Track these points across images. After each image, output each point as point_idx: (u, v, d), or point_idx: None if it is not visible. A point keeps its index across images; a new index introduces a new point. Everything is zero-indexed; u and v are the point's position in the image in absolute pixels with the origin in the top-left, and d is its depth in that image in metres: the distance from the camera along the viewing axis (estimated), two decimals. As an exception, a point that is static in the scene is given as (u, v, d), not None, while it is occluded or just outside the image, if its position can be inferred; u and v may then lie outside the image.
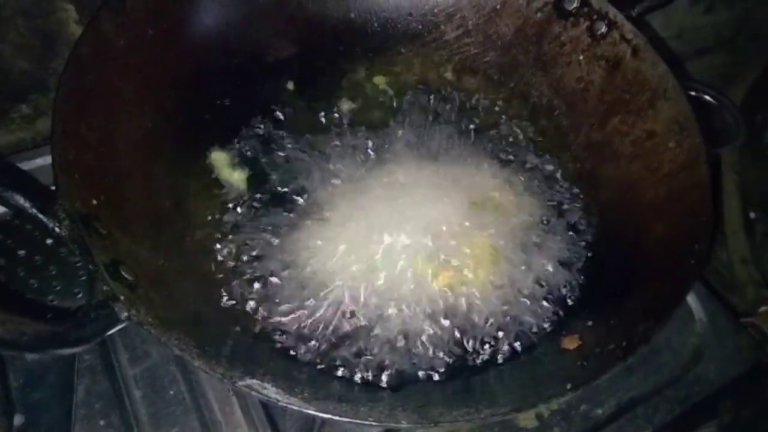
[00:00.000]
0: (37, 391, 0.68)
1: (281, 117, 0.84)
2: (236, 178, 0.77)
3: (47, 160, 0.79)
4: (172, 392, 0.71)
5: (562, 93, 0.89)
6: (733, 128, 1.35)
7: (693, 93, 1.30)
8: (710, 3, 1.59)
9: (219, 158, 0.78)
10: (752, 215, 1.56)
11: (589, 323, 0.68)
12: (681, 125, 0.76)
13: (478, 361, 0.67)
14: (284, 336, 0.65)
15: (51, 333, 0.46)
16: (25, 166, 0.88)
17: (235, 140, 0.81)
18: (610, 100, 0.84)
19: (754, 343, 0.88)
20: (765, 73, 1.80)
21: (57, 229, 0.55)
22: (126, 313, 0.52)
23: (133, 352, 0.73)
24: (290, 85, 0.88)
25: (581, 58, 0.87)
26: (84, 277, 0.74)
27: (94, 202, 0.61)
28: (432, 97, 0.91)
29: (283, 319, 0.66)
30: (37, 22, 0.89)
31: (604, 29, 0.85)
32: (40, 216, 0.54)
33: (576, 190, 0.82)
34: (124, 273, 0.56)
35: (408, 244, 0.70)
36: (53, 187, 0.58)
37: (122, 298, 0.52)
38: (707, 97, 1.34)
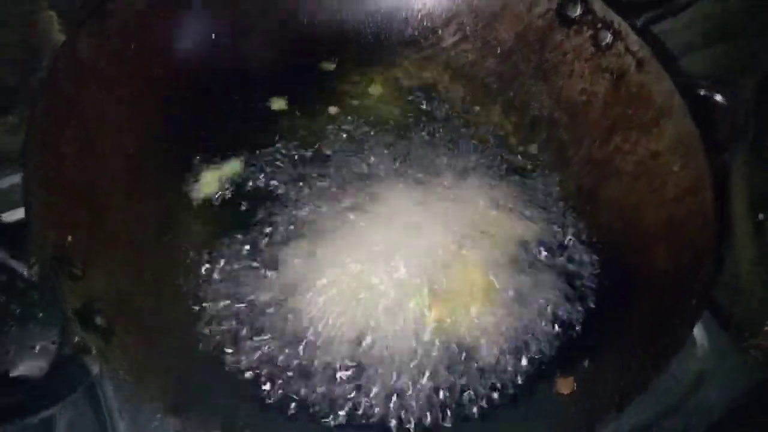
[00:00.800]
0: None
1: (272, 136, 0.81)
2: (221, 204, 0.74)
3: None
4: (156, 425, 0.70)
5: (564, 105, 0.85)
6: (744, 128, 1.31)
7: (702, 92, 1.25)
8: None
9: (206, 182, 0.76)
10: (761, 216, 1.52)
11: (586, 363, 0.65)
12: (686, 147, 0.72)
13: (474, 408, 0.65)
14: (266, 383, 0.63)
15: (18, 402, 0.44)
16: (4, 183, 0.86)
17: (223, 162, 0.78)
18: (614, 115, 0.80)
19: (757, 365, 0.85)
20: (779, 64, 1.73)
21: (26, 274, 0.52)
22: (97, 368, 0.50)
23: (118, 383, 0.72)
24: (281, 102, 0.84)
25: (584, 68, 0.83)
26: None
27: (69, 238, 0.59)
28: (427, 109, 0.87)
29: (265, 365, 0.64)
30: (19, 32, 0.86)
31: (608, 39, 0.80)
32: (9, 261, 0.52)
33: (576, 213, 0.79)
34: (97, 320, 0.54)
35: (399, 277, 0.68)
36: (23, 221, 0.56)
37: (94, 351, 0.51)
38: (717, 97, 1.29)
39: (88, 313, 0.54)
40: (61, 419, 0.68)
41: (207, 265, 0.70)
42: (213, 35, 0.81)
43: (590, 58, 0.82)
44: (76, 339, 0.51)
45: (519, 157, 0.83)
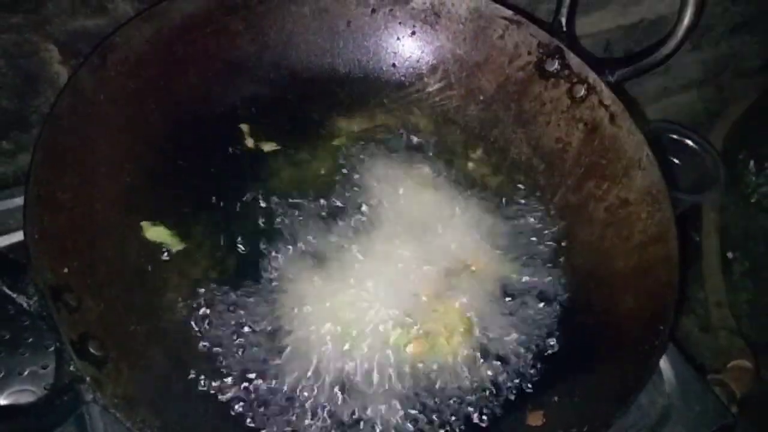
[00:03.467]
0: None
1: (264, 168, 0.85)
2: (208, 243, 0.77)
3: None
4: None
5: (541, 152, 0.90)
6: (714, 173, 1.37)
7: (675, 136, 1.32)
8: (696, 41, 1.61)
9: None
10: (730, 255, 1.58)
11: (555, 398, 0.69)
12: (654, 197, 0.77)
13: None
14: (253, 419, 0.65)
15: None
16: (4, 206, 0.88)
17: (214, 198, 0.81)
18: (587, 163, 0.85)
19: (721, 403, 0.89)
20: (748, 111, 1.83)
21: (27, 306, 0.55)
22: (91, 396, 0.52)
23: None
24: (271, 144, 0.88)
25: (560, 118, 0.88)
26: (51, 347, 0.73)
27: (66, 270, 0.61)
28: (411, 149, 0.91)
29: (253, 399, 0.66)
30: (19, 62, 0.89)
31: (583, 93, 0.86)
32: (8, 292, 0.54)
33: (551, 254, 0.83)
34: (92, 349, 0.57)
35: (382, 314, 0.71)
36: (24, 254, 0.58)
37: (88, 379, 0.53)
38: (689, 142, 1.36)
39: (83, 342, 0.56)
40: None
41: (199, 299, 0.72)
42: (208, 75, 0.84)
43: (566, 109, 0.87)
44: (71, 368, 0.53)
45: (502, 198, 0.88)
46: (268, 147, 0.87)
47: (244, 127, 0.87)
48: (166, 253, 0.74)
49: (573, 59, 0.86)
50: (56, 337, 0.54)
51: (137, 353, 0.63)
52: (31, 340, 0.73)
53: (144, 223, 0.75)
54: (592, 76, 0.85)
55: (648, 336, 0.67)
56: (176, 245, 0.75)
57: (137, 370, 0.60)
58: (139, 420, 0.53)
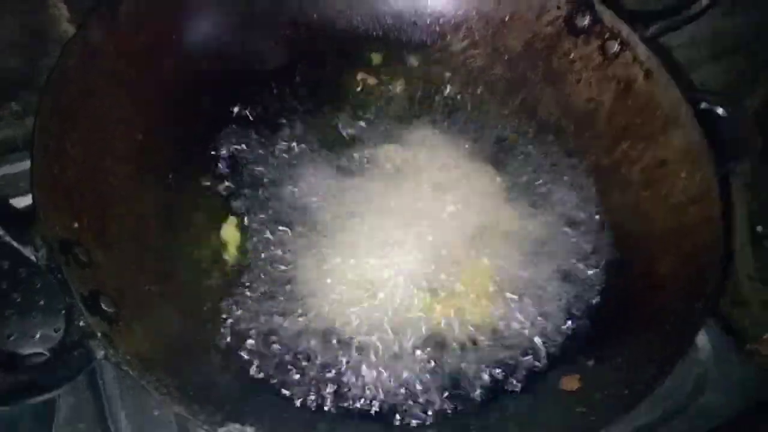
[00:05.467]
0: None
1: (281, 128, 0.81)
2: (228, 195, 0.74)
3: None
4: (157, 413, 0.68)
5: (571, 112, 0.86)
6: (746, 142, 1.32)
7: (704, 105, 1.27)
8: (729, 7, 1.54)
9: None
10: (759, 229, 1.53)
11: (591, 363, 0.65)
12: (693, 156, 0.73)
13: (478, 398, 0.65)
14: (272, 370, 0.62)
15: (22, 384, 0.43)
16: (13, 169, 0.85)
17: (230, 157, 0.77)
18: (620, 124, 0.81)
19: (761, 372, 0.85)
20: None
21: (34, 259, 0.52)
22: (103, 352, 0.49)
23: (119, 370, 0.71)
24: (290, 96, 0.84)
25: (591, 77, 0.83)
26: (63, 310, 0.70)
27: (76, 224, 0.58)
28: (436, 110, 0.88)
29: (270, 358, 0.64)
30: (27, 20, 0.85)
31: (616, 48, 0.81)
32: (15, 244, 0.51)
33: (585, 216, 0.79)
34: (104, 305, 0.54)
35: (406, 272, 0.68)
36: (31, 206, 0.55)
37: (99, 335, 0.50)
38: (719, 110, 1.30)
39: (94, 298, 0.53)
40: (63, 404, 0.67)
41: (212, 258, 0.69)
42: (221, 28, 0.80)
43: (598, 67, 0.83)
44: (81, 323, 0.50)
45: (529, 159, 0.83)
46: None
47: (261, 84, 0.83)
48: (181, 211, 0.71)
49: (605, 13, 0.81)
50: (66, 291, 0.51)
51: (152, 313, 0.60)
52: (42, 302, 0.70)
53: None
54: (626, 31, 0.80)
55: (690, 299, 0.63)
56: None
57: (152, 330, 0.57)
58: (155, 379, 0.50)
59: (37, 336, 0.68)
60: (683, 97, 0.75)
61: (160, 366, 0.53)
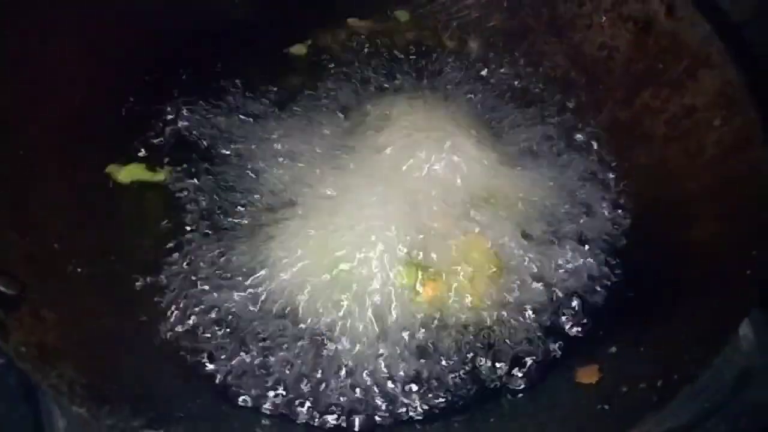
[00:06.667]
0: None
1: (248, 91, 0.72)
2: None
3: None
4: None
5: (581, 63, 0.75)
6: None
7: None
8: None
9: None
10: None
11: (613, 349, 0.53)
12: (729, 98, 0.61)
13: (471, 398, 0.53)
14: (223, 368, 0.52)
15: None
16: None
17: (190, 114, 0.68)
18: (640, 71, 0.70)
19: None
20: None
21: None
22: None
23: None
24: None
25: (604, 19, 0.73)
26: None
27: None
28: (426, 67, 0.78)
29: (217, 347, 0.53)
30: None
31: (631, -18, 0.69)
32: None
33: (600, 180, 0.68)
34: (2, 287, 0.43)
35: (387, 249, 0.56)
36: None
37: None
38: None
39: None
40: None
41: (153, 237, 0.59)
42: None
43: (611, 7, 0.72)
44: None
45: (532, 118, 0.72)
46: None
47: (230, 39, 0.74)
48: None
49: (617, -57, 0.70)
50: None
51: (73, 299, 0.49)
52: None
53: (112, 168, 0.63)
54: (643, -39, 0.68)
55: (737, 268, 0.51)
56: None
57: (69, 318, 0.47)
58: (55, 375, 0.40)
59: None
60: (714, 31, 0.63)
61: (69, 360, 0.42)
